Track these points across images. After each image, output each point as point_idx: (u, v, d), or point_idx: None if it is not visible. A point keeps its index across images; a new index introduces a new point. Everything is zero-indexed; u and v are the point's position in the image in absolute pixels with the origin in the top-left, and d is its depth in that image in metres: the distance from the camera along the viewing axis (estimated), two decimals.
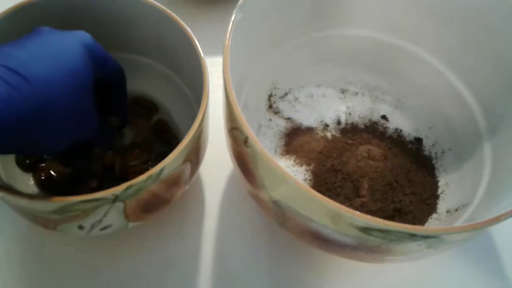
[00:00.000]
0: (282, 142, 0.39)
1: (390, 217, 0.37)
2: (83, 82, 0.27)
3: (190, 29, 0.33)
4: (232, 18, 0.30)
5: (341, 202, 0.36)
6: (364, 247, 0.28)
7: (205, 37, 0.34)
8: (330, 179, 0.37)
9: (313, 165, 0.38)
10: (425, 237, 0.25)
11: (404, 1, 0.39)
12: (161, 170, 0.28)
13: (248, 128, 0.27)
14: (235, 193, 0.40)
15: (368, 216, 0.24)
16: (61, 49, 0.27)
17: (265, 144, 0.40)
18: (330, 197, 0.37)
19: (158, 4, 0.34)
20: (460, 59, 0.39)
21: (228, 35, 0.29)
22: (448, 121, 0.40)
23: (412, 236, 0.25)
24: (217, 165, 0.40)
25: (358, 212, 0.25)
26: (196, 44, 0.32)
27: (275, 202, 0.29)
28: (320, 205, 0.25)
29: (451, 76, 0.40)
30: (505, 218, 0.25)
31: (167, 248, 0.37)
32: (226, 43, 0.29)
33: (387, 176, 0.37)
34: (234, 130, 0.29)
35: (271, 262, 0.37)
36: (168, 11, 0.34)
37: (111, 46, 0.33)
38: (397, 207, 0.37)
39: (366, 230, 0.26)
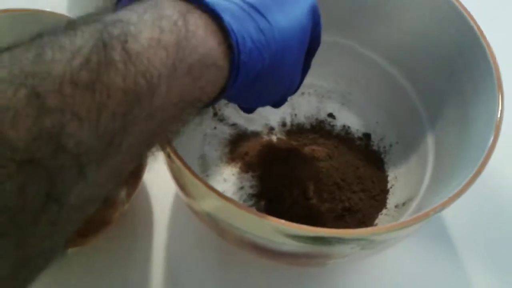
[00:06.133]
0: (227, 149, 0.39)
1: (340, 217, 0.36)
2: (306, 39, 0.26)
3: None
4: None
5: (289, 206, 0.36)
6: (301, 254, 0.28)
7: None
8: (277, 183, 0.37)
9: (259, 171, 0.38)
10: (352, 240, 0.24)
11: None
12: None
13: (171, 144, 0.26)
14: (184, 207, 0.39)
15: (294, 224, 0.24)
16: (296, 2, 0.24)
17: (210, 153, 0.39)
18: (278, 202, 0.37)
19: None
20: (399, 54, 0.38)
21: None
22: (393, 114, 0.40)
23: (340, 240, 0.25)
24: (164, 178, 0.39)
25: (283, 221, 0.24)
26: None
27: (209, 215, 0.28)
28: (247, 217, 0.24)
29: (392, 71, 0.39)
30: (434, 214, 0.24)
31: (115, 270, 0.36)
32: None
33: (333, 175, 0.37)
34: None
35: (223, 275, 0.36)
36: None
37: None
38: (346, 206, 0.36)
39: (296, 237, 0.25)
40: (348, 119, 0.42)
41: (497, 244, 0.38)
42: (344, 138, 0.41)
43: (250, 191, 0.37)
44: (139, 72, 0.16)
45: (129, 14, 0.17)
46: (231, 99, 0.23)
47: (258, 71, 0.22)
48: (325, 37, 0.42)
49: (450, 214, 0.39)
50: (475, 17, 0.31)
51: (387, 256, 0.36)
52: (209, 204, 0.27)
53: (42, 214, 0.14)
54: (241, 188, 0.37)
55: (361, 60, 0.40)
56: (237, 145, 0.39)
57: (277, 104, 0.30)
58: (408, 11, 0.36)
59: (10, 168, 0.13)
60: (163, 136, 0.19)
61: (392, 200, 0.37)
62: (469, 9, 0.32)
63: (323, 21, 0.41)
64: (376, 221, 0.36)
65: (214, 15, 0.19)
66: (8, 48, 0.15)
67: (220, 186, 0.37)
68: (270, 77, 0.23)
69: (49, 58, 0.14)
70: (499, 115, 0.26)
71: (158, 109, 0.17)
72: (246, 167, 0.38)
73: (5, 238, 0.14)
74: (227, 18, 0.19)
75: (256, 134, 0.40)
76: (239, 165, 0.38)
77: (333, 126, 0.41)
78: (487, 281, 0.36)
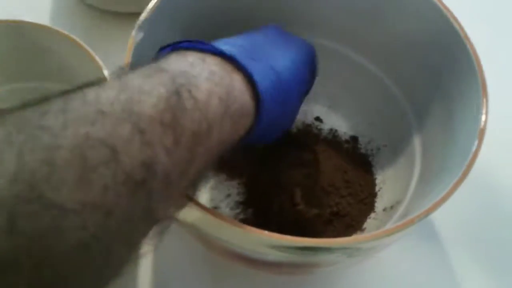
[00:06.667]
0: None
1: (328, 222, 0.36)
2: (305, 86, 0.31)
3: (96, 46, 0.31)
4: (130, 41, 0.28)
5: (277, 213, 0.36)
6: (287, 263, 0.28)
7: (112, 54, 0.33)
8: (264, 190, 0.36)
9: (245, 178, 0.37)
10: (338, 248, 0.24)
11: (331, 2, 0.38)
12: None
13: None
14: None
15: (275, 234, 0.23)
16: (301, 56, 0.30)
17: None
18: (266, 209, 0.36)
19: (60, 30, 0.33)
20: (386, 58, 0.38)
21: (126, 62, 0.28)
22: (380, 117, 0.40)
23: (325, 249, 0.24)
24: None
25: (266, 232, 0.24)
26: (98, 64, 0.31)
27: (192, 226, 0.28)
28: (228, 228, 0.24)
29: (379, 73, 0.39)
30: (419, 220, 0.24)
31: None
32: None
33: (321, 180, 0.37)
34: None
35: (211, 284, 0.35)
36: (70, 35, 0.32)
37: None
38: (334, 210, 0.36)
39: (280, 248, 0.25)
40: (335, 122, 0.41)
41: (487, 243, 0.38)
42: (332, 141, 0.40)
43: (237, 198, 0.36)
44: (202, 116, 0.20)
45: (187, 67, 0.21)
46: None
47: (274, 116, 0.26)
48: (311, 40, 0.42)
49: (439, 213, 0.39)
50: (462, 20, 0.31)
51: (377, 258, 0.36)
52: (190, 215, 0.26)
53: (141, 223, 0.18)
54: (228, 195, 0.37)
55: (348, 62, 0.40)
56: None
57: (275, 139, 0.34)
58: (394, 14, 0.35)
59: (130, 185, 0.17)
60: (209, 167, 0.22)
61: (380, 203, 0.37)
62: (455, 12, 0.32)
63: (310, 23, 0.41)
64: (365, 225, 0.36)
65: (247, 73, 0.23)
66: (98, 86, 0.18)
67: (207, 194, 0.37)
68: (278, 119, 0.27)
69: (138, 101, 0.18)
70: (483, 119, 0.26)
71: (211, 146, 0.21)
72: (232, 175, 0.37)
73: (119, 239, 0.17)
74: (257, 78, 0.24)
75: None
76: (225, 172, 0.38)
77: (320, 129, 0.41)
78: (477, 280, 0.36)
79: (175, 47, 0.24)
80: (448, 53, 0.31)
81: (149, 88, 0.19)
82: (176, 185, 0.19)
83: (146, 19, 0.30)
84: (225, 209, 0.37)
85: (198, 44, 0.23)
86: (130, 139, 0.17)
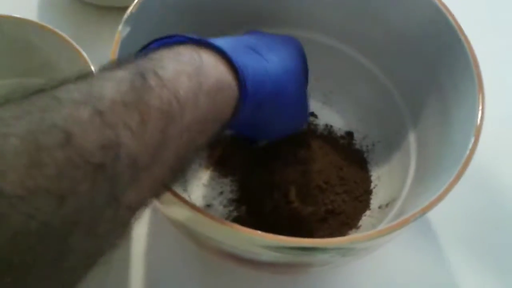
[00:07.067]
0: (206, 154, 0.38)
1: (323, 220, 0.35)
2: (300, 73, 0.30)
3: (84, 41, 0.31)
4: (117, 36, 0.28)
5: (271, 211, 0.35)
6: (281, 263, 0.27)
7: (99, 49, 0.32)
8: (258, 188, 0.36)
9: (238, 175, 0.37)
10: (332, 248, 0.24)
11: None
12: None
13: None
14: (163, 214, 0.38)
15: (268, 235, 0.23)
16: (284, 47, 0.29)
17: None
18: (259, 206, 0.36)
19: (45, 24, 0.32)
20: (381, 52, 0.37)
21: (113, 57, 0.27)
22: (375, 113, 0.39)
23: (319, 249, 0.24)
24: None
25: (259, 232, 0.23)
26: (85, 59, 0.30)
27: (184, 226, 0.27)
28: (219, 228, 0.23)
29: (373, 69, 0.38)
30: (414, 220, 0.24)
31: (93, 280, 0.35)
32: None
33: (316, 178, 0.36)
34: None
35: (204, 284, 0.35)
36: (56, 30, 0.31)
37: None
38: (329, 208, 0.35)
39: (273, 248, 0.24)
40: (330, 118, 0.41)
41: (484, 241, 0.38)
42: (327, 137, 0.40)
43: (230, 195, 0.36)
44: (171, 94, 0.19)
45: (154, 54, 0.21)
46: (243, 128, 0.27)
47: (263, 96, 0.25)
48: (305, 35, 0.41)
49: (436, 211, 0.38)
50: (457, 16, 0.31)
51: (372, 257, 0.36)
52: (181, 214, 0.26)
53: (105, 211, 0.17)
54: (221, 193, 0.36)
55: (342, 58, 0.39)
56: (215, 149, 0.38)
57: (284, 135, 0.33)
58: (389, 9, 0.35)
59: (87, 169, 0.16)
60: (192, 150, 0.21)
61: (375, 201, 0.36)
62: (451, 8, 0.31)
63: (303, 19, 0.41)
64: (360, 222, 0.35)
65: (219, 51, 0.23)
66: (60, 83, 0.18)
67: (199, 191, 0.36)
68: (274, 104, 0.27)
69: (100, 86, 0.18)
70: (480, 116, 0.26)
71: (187, 126, 0.20)
72: (225, 172, 0.37)
73: (77, 227, 0.16)
74: (229, 51, 0.23)
75: (235, 138, 0.39)
76: (218, 169, 0.37)
77: (316, 125, 0.40)
78: (474, 279, 0.36)
79: (150, 47, 0.24)
80: (444, 48, 0.31)
81: (111, 75, 0.18)
82: (146, 169, 0.18)
83: (132, 14, 0.29)
84: (218, 206, 0.36)
85: (165, 38, 0.23)
86: (88, 122, 0.16)
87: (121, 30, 0.28)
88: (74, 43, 0.30)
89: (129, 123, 0.17)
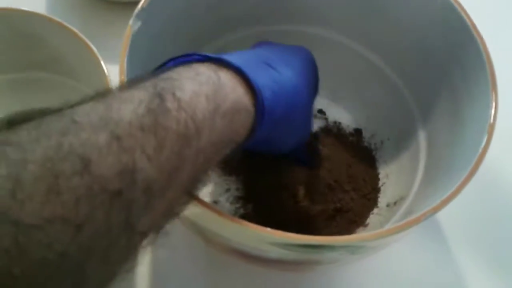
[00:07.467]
0: None
1: (331, 217, 0.35)
2: (311, 85, 0.30)
3: (93, 35, 0.30)
4: (128, 30, 0.27)
5: (278, 209, 0.35)
6: (289, 260, 0.27)
7: (109, 44, 0.32)
8: (265, 187, 0.35)
9: (243, 175, 0.36)
10: (341, 246, 0.23)
11: None
12: None
13: None
14: None
15: (277, 232, 0.23)
16: (297, 58, 0.29)
17: None
18: (267, 204, 0.35)
19: (53, 17, 0.31)
20: (390, 49, 0.37)
21: (124, 51, 0.27)
22: (384, 110, 0.39)
23: (328, 247, 0.24)
24: None
25: (268, 229, 0.23)
26: (95, 54, 0.30)
27: (191, 222, 0.27)
28: (228, 224, 0.23)
29: (383, 66, 0.38)
30: (425, 219, 0.23)
31: None
32: (121, 62, 0.26)
33: (326, 177, 0.36)
34: None
35: (211, 280, 0.35)
36: (65, 24, 0.31)
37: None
38: (337, 206, 0.35)
39: (281, 245, 0.24)
40: (338, 115, 0.41)
41: (494, 242, 0.37)
42: (337, 135, 0.40)
43: (237, 193, 0.36)
44: (188, 116, 0.19)
45: (172, 73, 0.21)
46: (257, 145, 0.26)
47: (279, 115, 0.25)
48: (312, 31, 0.41)
49: (446, 211, 0.38)
50: (470, 13, 0.30)
51: (380, 255, 0.36)
52: (189, 210, 0.25)
53: (120, 238, 0.17)
54: (228, 190, 0.36)
55: (350, 55, 0.39)
56: None
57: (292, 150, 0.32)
58: (400, 5, 0.34)
59: (104, 196, 0.16)
60: (206, 171, 0.21)
61: (383, 199, 0.36)
62: (464, 4, 0.30)
63: (312, 15, 0.40)
64: (368, 220, 0.35)
65: (237, 70, 0.23)
66: (78, 103, 0.18)
67: (205, 187, 0.36)
68: (288, 121, 0.26)
69: (118, 108, 0.17)
70: (493, 114, 0.25)
71: (202, 149, 0.20)
72: (230, 170, 0.36)
73: (93, 255, 0.16)
74: (248, 72, 0.23)
75: None
76: (223, 167, 0.37)
77: (325, 122, 0.40)
78: (483, 279, 0.36)
79: (167, 65, 0.23)
80: (456, 46, 0.30)
81: (129, 95, 0.18)
82: (161, 194, 0.18)
83: (143, 8, 0.29)
84: (225, 203, 0.36)
85: (184, 56, 0.23)
86: (106, 147, 0.16)
87: (132, 24, 0.28)
88: (83, 37, 0.30)
89: (146, 147, 0.17)
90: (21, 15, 0.32)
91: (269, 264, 0.29)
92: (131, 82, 0.20)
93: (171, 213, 0.20)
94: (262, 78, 0.24)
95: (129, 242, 0.17)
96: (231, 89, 0.22)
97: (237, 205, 0.35)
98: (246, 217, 0.35)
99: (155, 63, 0.31)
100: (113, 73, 0.29)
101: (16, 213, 0.14)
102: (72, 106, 0.17)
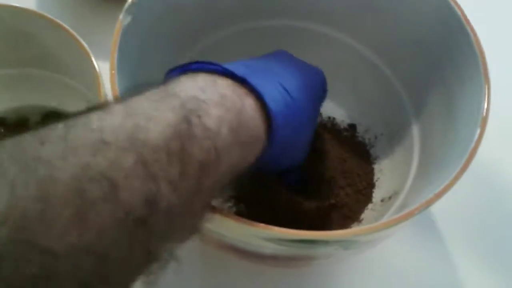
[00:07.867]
0: None
1: (326, 213, 0.35)
2: (316, 116, 0.30)
3: (84, 32, 0.30)
4: (118, 25, 0.27)
5: (272, 206, 0.35)
6: (283, 256, 0.27)
7: (100, 40, 0.32)
8: (258, 187, 0.35)
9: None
10: (335, 241, 0.23)
11: None
12: None
13: None
14: None
15: (271, 227, 0.22)
16: (313, 82, 0.29)
17: None
18: (258, 202, 0.35)
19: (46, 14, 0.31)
20: (383, 43, 0.37)
21: (114, 46, 0.26)
22: (378, 105, 0.39)
23: (322, 242, 0.23)
24: None
25: (262, 224, 0.23)
26: (86, 50, 0.29)
27: None
28: (222, 220, 0.23)
29: (376, 60, 0.38)
30: (418, 213, 0.23)
31: None
32: (112, 57, 0.26)
33: (323, 174, 0.36)
34: None
35: (205, 276, 0.35)
36: (57, 21, 0.31)
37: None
38: (332, 202, 0.35)
39: (275, 240, 0.24)
40: (332, 111, 0.40)
41: (488, 237, 0.37)
42: (331, 130, 0.40)
43: (229, 192, 0.35)
44: (211, 145, 0.19)
45: (197, 91, 0.20)
46: (260, 165, 0.26)
47: (287, 140, 0.25)
48: (305, 26, 0.40)
49: (440, 207, 0.38)
50: (463, 7, 0.30)
51: (374, 251, 0.36)
52: None
53: (139, 265, 0.16)
54: None
55: (343, 50, 0.39)
56: None
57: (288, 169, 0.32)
58: (393, 0, 0.34)
59: (129, 224, 0.15)
60: (215, 196, 0.21)
61: (378, 194, 0.36)
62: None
63: (307, 10, 0.40)
64: (362, 216, 0.35)
65: (259, 96, 0.22)
66: (103, 111, 0.17)
67: None
68: (290, 147, 0.26)
69: (145, 127, 0.17)
70: (485, 107, 0.25)
71: (218, 176, 0.20)
72: None
73: (112, 283, 0.15)
74: (268, 100, 0.22)
75: None
76: None
77: (321, 115, 0.40)
78: (478, 275, 0.36)
79: (185, 69, 0.23)
80: (448, 37, 0.30)
81: (157, 114, 0.18)
82: (179, 221, 0.18)
83: (134, 3, 0.28)
84: (216, 201, 0.36)
85: (208, 65, 0.22)
86: (132, 171, 0.15)
87: (122, 19, 0.27)
88: (74, 33, 0.30)
89: (171, 174, 0.17)
90: (11, 11, 0.32)
91: (263, 260, 0.29)
92: (155, 94, 0.19)
93: (183, 237, 0.20)
94: (278, 105, 0.24)
95: (146, 268, 0.17)
96: (252, 119, 0.22)
97: (230, 204, 0.35)
98: (239, 215, 0.34)
99: (146, 58, 0.31)
100: (105, 69, 0.29)
101: (44, 239, 0.13)
102: (96, 113, 0.17)
